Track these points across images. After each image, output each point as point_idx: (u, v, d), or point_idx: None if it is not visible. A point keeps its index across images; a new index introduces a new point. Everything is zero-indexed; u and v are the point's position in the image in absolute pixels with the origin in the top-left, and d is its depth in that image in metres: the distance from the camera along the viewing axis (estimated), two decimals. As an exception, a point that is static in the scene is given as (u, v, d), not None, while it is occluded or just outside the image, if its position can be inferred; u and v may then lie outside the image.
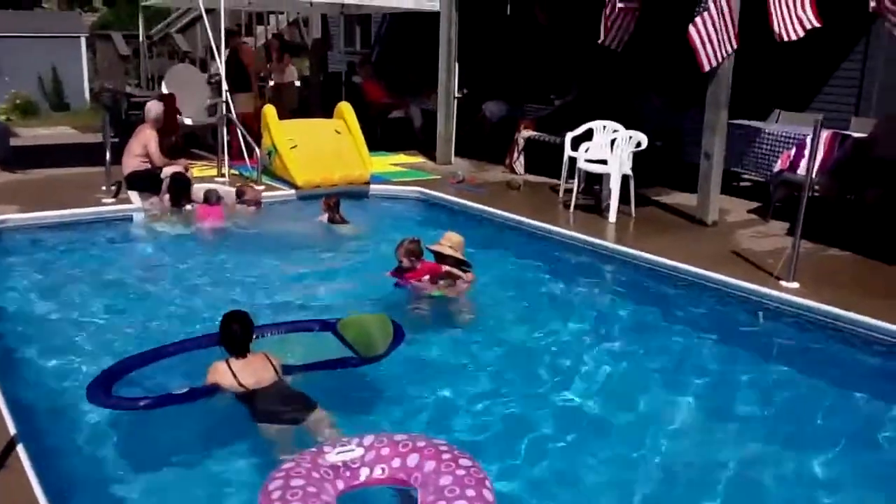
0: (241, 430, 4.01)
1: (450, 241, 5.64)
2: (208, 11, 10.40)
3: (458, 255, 5.63)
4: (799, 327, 5.60)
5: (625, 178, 8.10)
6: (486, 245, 7.66)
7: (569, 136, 8.87)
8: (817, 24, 7.37)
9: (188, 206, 8.19)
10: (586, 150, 8.66)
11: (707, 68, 7.57)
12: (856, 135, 7.85)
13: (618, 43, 8.66)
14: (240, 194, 8.60)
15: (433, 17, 11.39)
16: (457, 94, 11.25)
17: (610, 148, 8.66)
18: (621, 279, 6.79)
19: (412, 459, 2.85)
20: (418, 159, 11.52)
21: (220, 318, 4.33)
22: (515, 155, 10.50)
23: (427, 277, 5.58)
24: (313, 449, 3.08)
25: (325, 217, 8.07)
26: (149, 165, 8.72)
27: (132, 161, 8.72)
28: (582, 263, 7.13)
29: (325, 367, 4.49)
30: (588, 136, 9.00)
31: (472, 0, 11.07)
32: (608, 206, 8.17)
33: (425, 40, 14.78)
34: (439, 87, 10.95)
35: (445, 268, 5.58)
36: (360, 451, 2.91)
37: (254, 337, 4.39)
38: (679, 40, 7.70)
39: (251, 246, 7.47)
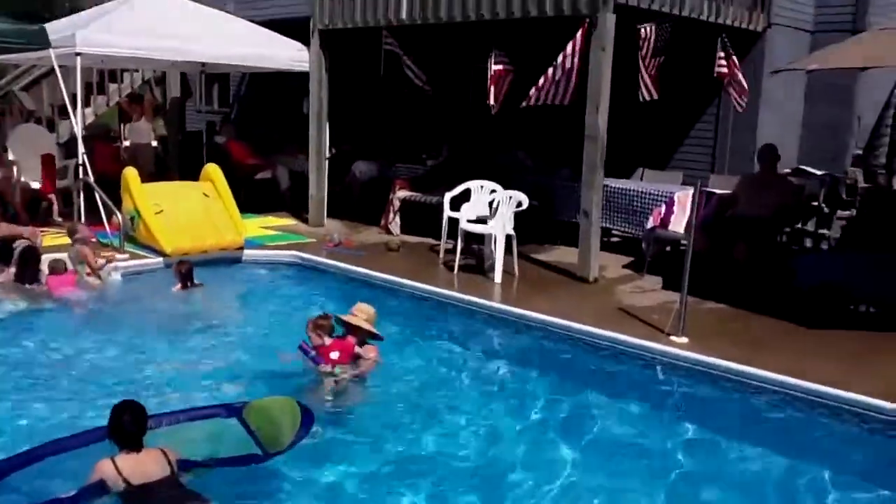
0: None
1: (364, 314, 5.38)
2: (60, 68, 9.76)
3: (371, 327, 5.40)
4: (693, 380, 5.72)
5: (507, 238, 8.15)
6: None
7: (447, 196, 8.88)
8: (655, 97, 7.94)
9: (34, 285, 7.46)
10: (466, 211, 8.68)
11: (526, 104, 8.00)
12: (718, 192, 8.29)
13: (497, 104, 8.79)
14: (72, 233, 8.06)
15: (294, 74, 11.24)
16: (326, 155, 11.08)
17: (488, 208, 8.75)
18: (513, 340, 6.74)
19: None
20: (289, 221, 11.20)
21: (91, 408, 3.93)
22: (391, 216, 10.41)
23: (337, 355, 5.30)
24: None
25: (178, 286, 7.70)
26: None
27: (-32, 233, 7.88)
28: (472, 326, 7.05)
29: (228, 464, 4.13)
30: (465, 195, 9.05)
31: (342, 61, 11.02)
32: (491, 265, 8.20)
33: (286, 98, 14.58)
34: (310, 148, 10.75)
35: (356, 349, 5.33)
36: None
37: (149, 428, 4.00)
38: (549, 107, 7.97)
39: (114, 322, 6.95)
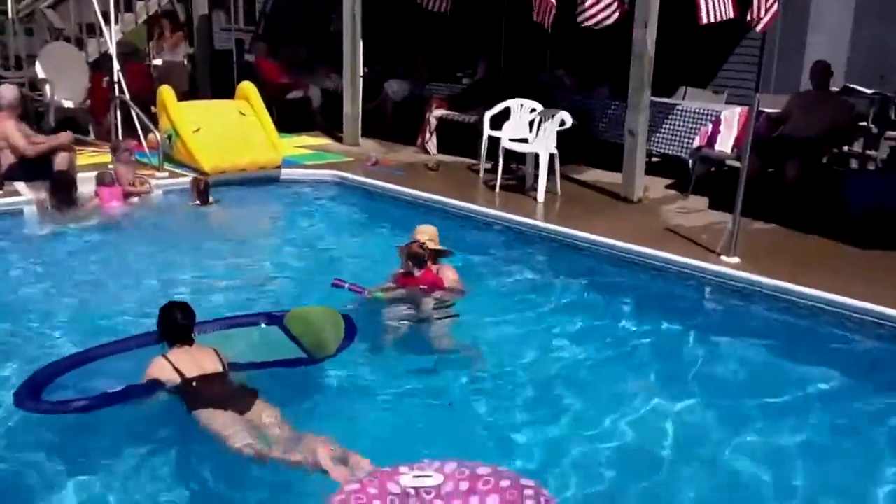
0: (184, 431, 3.74)
1: (426, 234, 5.25)
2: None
3: (437, 245, 5.29)
4: (746, 300, 5.68)
5: (549, 157, 8.03)
6: (408, 227, 7.43)
7: (487, 114, 8.74)
8: (732, 16, 7.58)
9: (72, 208, 7.41)
10: (507, 130, 8.55)
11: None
12: (768, 110, 8.08)
13: (546, 21, 8.46)
14: (115, 149, 8.11)
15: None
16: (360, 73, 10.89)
17: (528, 127, 8.61)
18: (559, 260, 6.68)
19: (492, 502, 2.59)
20: (323, 141, 11.10)
21: (143, 315, 4.24)
22: (427, 134, 10.27)
23: (424, 287, 5.17)
24: (386, 469, 2.79)
25: (196, 201, 7.81)
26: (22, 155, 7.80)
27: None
28: (520, 245, 6.98)
29: (276, 365, 4.19)
30: (503, 114, 8.89)
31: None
32: (533, 185, 8.12)
33: (314, 15, 14.29)
34: (344, 66, 10.55)
35: (448, 283, 5.18)
36: (438, 480, 2.63)
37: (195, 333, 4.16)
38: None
39: (157, 239, 7.02)
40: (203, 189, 7.80)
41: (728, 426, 4.14)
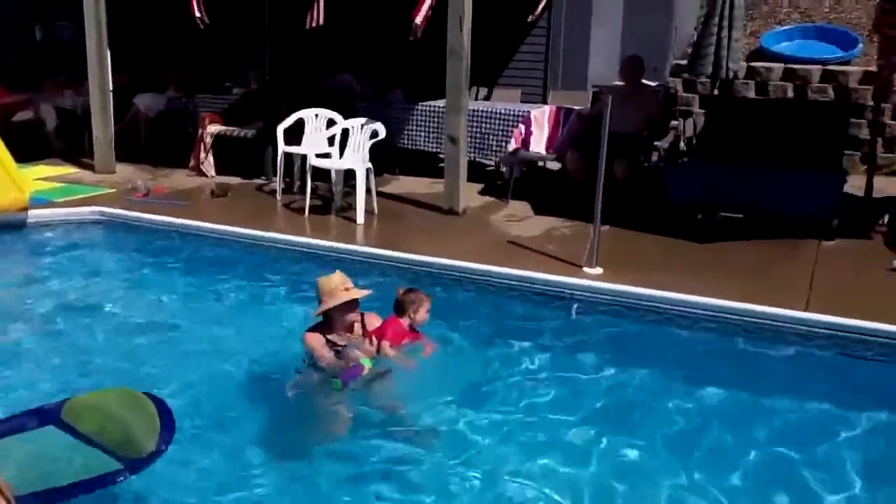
0: None
1: (346, 283, 4.08)
2: None
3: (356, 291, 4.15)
4: (616, 314, 5.25)
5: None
6: (215, 271, 6.26)
7: (280, 128, 7.69)
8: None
9: None
10: (309, 145, 7.58)
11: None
12: (577, 108, 7.84)
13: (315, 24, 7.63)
14: None
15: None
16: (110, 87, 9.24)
17: (328, 141, 7.70)
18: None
19: None
20: (68, 170, 9.27)
21: None
22: (203, 154, 8.91)
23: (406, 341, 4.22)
24: None
25: None
26: None
27: None
28: (354, 277, 6.03)
29: (89, 488, 3.00)
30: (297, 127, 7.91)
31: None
32: (342, 205, 7.25)
33: (18, 21, 12.20)
34: (90, 80, 8.86)
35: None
36: None
37: None
38: (369, 21, 7.01)
39: None
40: None
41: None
